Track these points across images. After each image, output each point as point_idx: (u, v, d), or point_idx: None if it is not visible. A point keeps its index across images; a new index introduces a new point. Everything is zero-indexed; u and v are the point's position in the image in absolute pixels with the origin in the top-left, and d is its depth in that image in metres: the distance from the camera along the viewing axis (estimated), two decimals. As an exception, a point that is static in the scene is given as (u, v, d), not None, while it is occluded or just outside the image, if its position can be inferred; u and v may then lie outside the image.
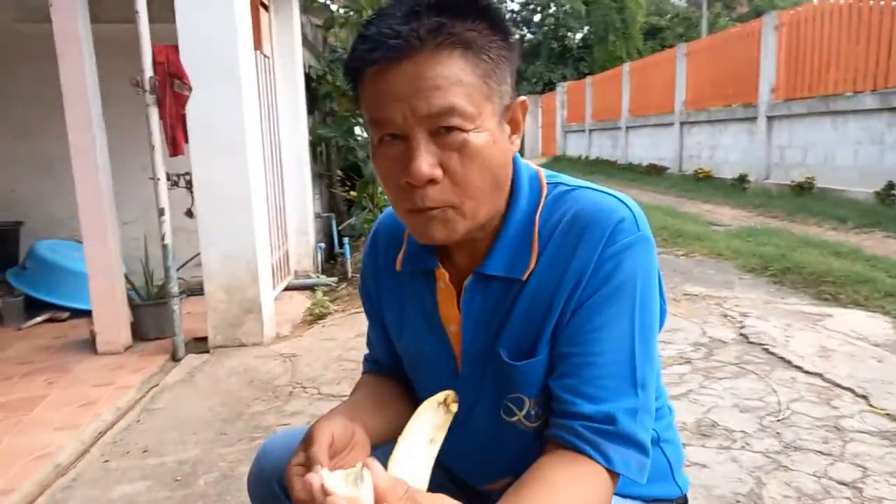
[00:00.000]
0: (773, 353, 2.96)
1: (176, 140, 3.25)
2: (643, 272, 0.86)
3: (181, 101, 3.24)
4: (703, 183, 10.46)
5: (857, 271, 4.27)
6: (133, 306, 3.54)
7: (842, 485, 1.87)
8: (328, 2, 5.87)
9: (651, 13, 27.00)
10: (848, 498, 1.81)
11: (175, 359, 3.29)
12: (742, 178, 9.52)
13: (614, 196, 0.90)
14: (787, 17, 9.20)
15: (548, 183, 0.95)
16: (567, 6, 26.36)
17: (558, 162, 18.45)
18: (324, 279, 4.82)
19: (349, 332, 3.61)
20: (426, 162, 0.79)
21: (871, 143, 7.40)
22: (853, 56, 7.72)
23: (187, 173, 3.36)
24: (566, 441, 0.83)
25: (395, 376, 1.14)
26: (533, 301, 0.89)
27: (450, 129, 0.79)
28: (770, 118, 9.30)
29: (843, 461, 2.00)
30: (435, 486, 1.16)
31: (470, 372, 0.96)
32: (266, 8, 4.48)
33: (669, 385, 2.59)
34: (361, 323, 3.71)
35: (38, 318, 4.00)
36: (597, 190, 0.92)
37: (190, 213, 3.37)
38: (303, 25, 5.34)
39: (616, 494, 0.86)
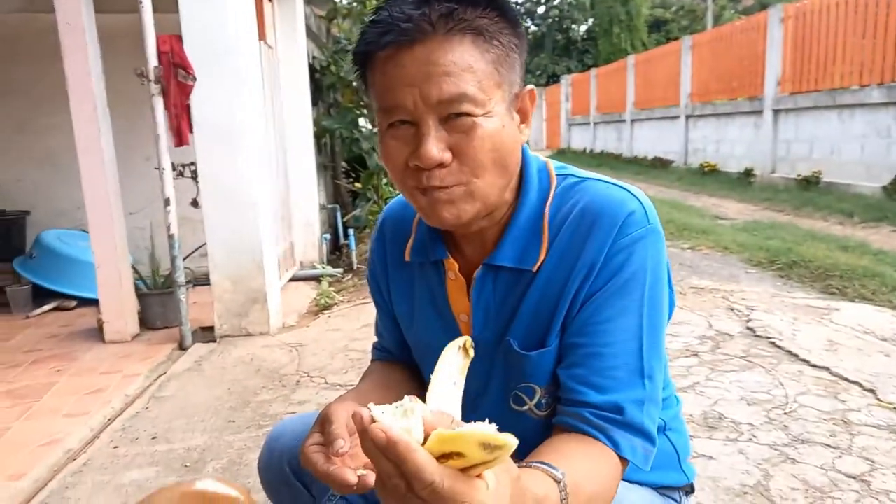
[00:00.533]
0: (779, 347, 2.95)
1: (181, 130, 3.24)
2: (653, 265, 0.87)
3: (186, 91, 3.23)
4: (708, 176, 10.43)
5: (865, 266, 4.26)
6: (140, 295, 3.55)
7: (849, 478, 1.87)
8: (332, -8, 5.85)
9: (656, 5, 26.90)
10: (856, 491, 1.81)
11: (182, 347, 3.30)
12: (748, 172, 9.49)
13: (624, 188, 0.90)
14: (794, 9, 9.14)
15: (557, 174, 0.95)
16: (572, -2, 26.26)
17: (562, 155, 18.42)
18: (329, 270, 4.82)
19: (355, 323, 3.61)
20: (436, 146, 0.80)
21: (877, 136, 7.37)
22: (860, 49, 7.67)
23: (192, 163, 3.37)
24: (574, 426, 0.84)
25: (403, 363, 1.14)
26: (543, 292, 0.90)
27: (460, 114, 0.79)
28: (776, 111, 9.26)
29: (850, 454, 2.00)
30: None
31: (479, 361, 0.96)
32: (271, -2, 4.47)
33: (675, 377, 2.59)
34: (367, 314, 3.73)
35: (46, 307, 4.02)
36: (606, 182, 0.92)
37: (195, 203, 3.39)
38: (306, 16, 5.32)
39: (624, 480, 0.87)
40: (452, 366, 0.68)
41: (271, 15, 4.53)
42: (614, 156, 15.62)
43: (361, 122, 5.49)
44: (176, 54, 3.17)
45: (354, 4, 5.61)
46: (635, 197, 0.89)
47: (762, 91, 9.57)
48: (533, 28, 28.69)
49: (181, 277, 3.29)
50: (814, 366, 2.71)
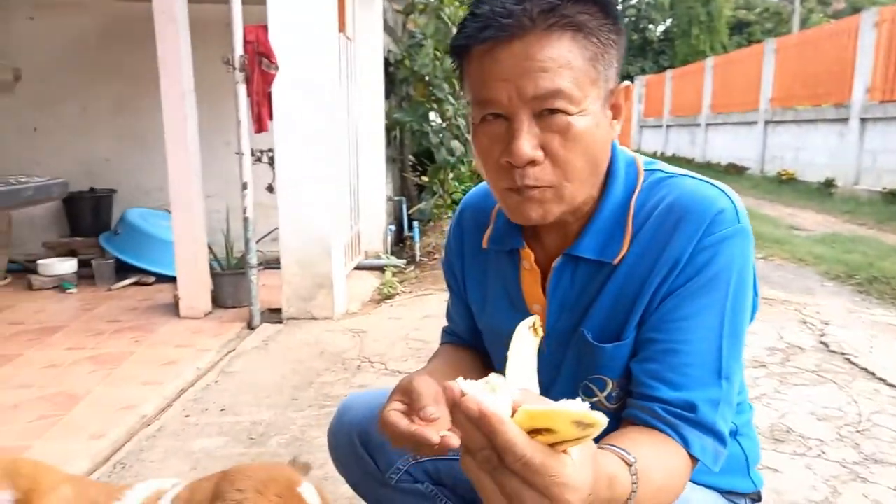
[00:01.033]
0: (854, 364, 2.82)
1: (261, 117, 3.37)
2: (739, 265, 0.85)
3: (268, 79, 3.35)
4: (785, 185, 10.01)
5: (953, 285, 4.01)
6: (213, 275, 3.71)
7: (926, 502, 1.78)
8: (410, -13, 5.93)
9: (739, 6, 25.91)
10: (932, 516, 1.72)
11: (251, 327, 3.44)
12: (829, 182, 9.05)
13: (716, 186, 0.89)
14: (890, 13, 8.63)
15: (645, 169, 0.94)
16: (650, -2, 25.63)
17: (631, 157, 17.99)
18: (393, 260, 4.90)
19: (416, 313, 3.67)
20: (528, 143, 0.80)
21: (976, 150, 6.89)
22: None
23: (270, 150, 3.48)
24: (644, 421, 0.83)
25: (471, 348, 1.16)
26: (623, 285, 0.89)
27: (554, 111, 0.79)
28: (863, 120, 8.79)
29: (928, 478, 1.90)
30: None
31: (551, 352, 0.97)
32: (351, -9, 4.57)
33: (741, 387, 2.52)
34: (428, 305, 3.79)
35: (127, 281, 4.25)
36: (697, 178, 0.91)
37: (270, 189, 3.50)
38: (384, 10, 5.41)
39: (691, 481, 0.86)
40: (526, 345, 0.68)
41: (351, 8, 4.64)
42: (686, 160, 15.17)
43: (432, 116, 5.54)
44: (261, 44, 3.29)
45: (431, 0, 5.67)
46: (727, 195, 0.87)
47: (849, 98, 9.10)
48: (607, 27, 28.13)
49: (253, 259, 3.42)
50: (891, 385, 2.58)
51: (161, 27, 3.32)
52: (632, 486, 0.70)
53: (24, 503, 0.77)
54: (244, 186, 3.38)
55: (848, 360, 2.87)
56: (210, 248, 3.73)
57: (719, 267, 0.84)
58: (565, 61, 0.78)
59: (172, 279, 3.87)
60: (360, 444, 1.13)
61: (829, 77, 9.74)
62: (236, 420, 2.37)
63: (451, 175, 5.65)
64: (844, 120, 9.17)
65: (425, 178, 5.84)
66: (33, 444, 2.15)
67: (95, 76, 4.79)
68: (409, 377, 0.88)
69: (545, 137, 0.81)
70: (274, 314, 3.60)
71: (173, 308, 3.65)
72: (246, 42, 3.30)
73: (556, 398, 0.99)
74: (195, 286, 3.60)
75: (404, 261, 4.97)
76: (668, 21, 26.60)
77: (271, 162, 3.47)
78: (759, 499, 1.09)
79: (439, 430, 0.76)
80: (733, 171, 12.27)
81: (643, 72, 24.25)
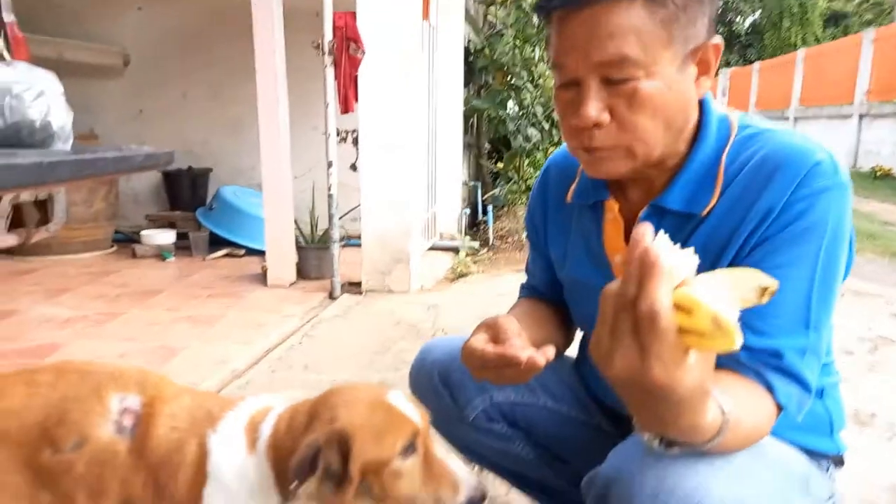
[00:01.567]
0: (947, 356, 2.70)
1: (347, 99, 3.52)
2: (835, 218, 0.83)
3: (355, 63, 3.51)
4: (880, 181, 9.45)
5: None
6: (299, 248, 3.92)
7: None
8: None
9: (835, -3, 24.46)
10: None
11: (332, 297, 3.61)
12: (930, 180, 8.49)
13: (813, 142, 0.88)
14: None
15: (739, 125, 0.94)
16: (739, -11, 24.57)
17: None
18: (468, 242, 4.99)
19: (490, 291, 3.74)
20: (593, 107, 0.84)
21: None
22: None
23: (355, 130, 3.63)
24: (728, 368, 0.83)
25: (549, 301, 1.22)
26: (711, 236, 0.89)
27: (622, 78, 0.82)
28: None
29: None
30: (582, 407, 1.23)
31: None
32: (434, -21, 4.67)
33: (822, 371, 2.45)
34: (502, 284, 3.85)
35: (220, 253, 4.54)
36: (793, 133, 0.90)
37: (354, 167, 3.66)
38: (465, 0, 5.49)
39: (773, 435, 0.86)
40: (747, 287, 0.64)
41: (434, -4, 4.74)
42: (772, 157, 14.50)
43: (509, 104, 5.59)
44: (349, 29, 3.44)
45: (512, -8, 5.71)
46: (825, 150, 0.86)
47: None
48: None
49: (336, 234, 3.59)
50: None
51: (258, 17, 3.53)
52: (717, 431, 0.72)
53: (149, 407, 0.88)
54: (329, 165, 3.55)
55: (940, 352, 2.75)
56: (296, 223, 3.93)
57: (814, 218, 0.82)
58: (633, 27, 0.80)
59: (260, 252, 4.12)
60: (441, 382, 1.21)
61: (935, 68, 9.12)
62: (318, 377, 2.52)
63: (526, 162, 5.69)
64: (950, 113, 8.56)
65: (500, 165, 5.90)
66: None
67: (195, 63, 5.11)
68: (490, 317, 0.94)
69: (612, 101, 0.84)
70: (353, 287, 3.77)
71: (261, 278, 3.88)
72: (335, 28, 3.46)
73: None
74: (282, 258, 3.82)
75: (478, 243, 5.05)
76: (757, 13, 25.42)
77: (355, 142, 3.62)
78: (842, 463, 1.07)
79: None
80: (824, 168, 11.65)
81: (728, 65, 23.29)
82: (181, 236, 4.63)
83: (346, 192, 4.15)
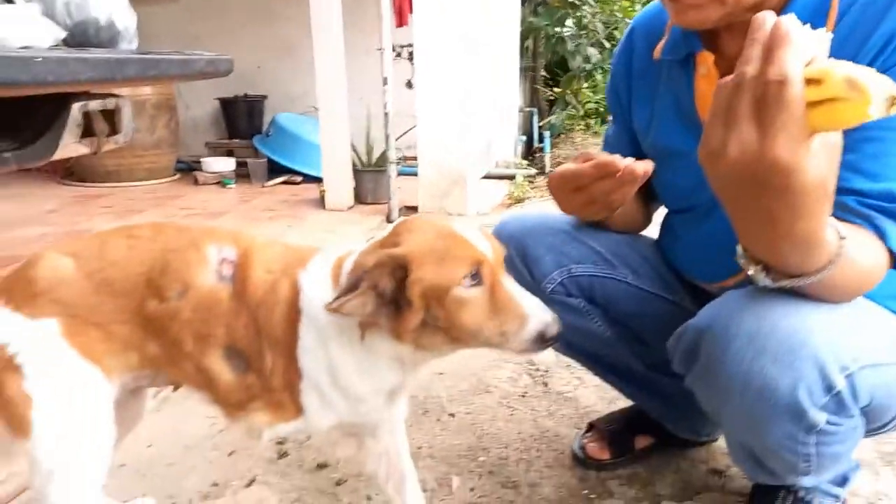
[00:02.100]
0: None
1: (402, 11, 3.43)
2: None
3: (409, -25, 3.40)
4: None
5: None
6: (355, 172, 3.92)
7: None
8: None
9: None
10: None
11: (389, 220, 3.62)
12: None
13: None
14: None
15: None
16: None
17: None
18: (523, 169, 4.90)
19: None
20: None
21: None
22: None
23: (410, 45, 3.54)
24: (837, 215, 0.77)
25: None
26: None
27: None
28: None
29: None
30: (663, 283, 1.20)
31: None
32: None
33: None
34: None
35: (278, 179, 4.61)
36: None
37: (409, 84, 3.59)
38: (523, -88, 5.22)
39: (868, 298, 0.81)
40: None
41: None
42: None
43: (568, 22, 5.35)
44: (403, -63, 3.32)
45: None
46: None
47: None
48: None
49: (392, 154, 3.57)
50: None
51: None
52: (831, 259, 0.68)
53: (244, 256, 0.90)
54: (384, 82, 3.49)
55: None
56: (353, 147, 3.92)
57: None
58: None
59: (317, 179, 4.15)
60: (517, 255, 1.18)
61: None
62: (381, 289, 2.55)
63: (584, 85, 5.49)
64: None
65: (558, 90, 5.71)
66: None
67: (248, -13, 5.07)
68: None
69: None
70: (410, 211, 3.75)
71: (319, 202, 3.92)
72: (389, -62, 3.35)
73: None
74: (339, 182, 3.83)
75: (534, 171, 4.95)
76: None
77: (410, 57, 3.54)
78: None
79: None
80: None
81: None
82: (240, 164, 4.70)
83: (401, 120, 4.11)
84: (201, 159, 4.72)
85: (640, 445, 1.34)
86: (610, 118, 1.22)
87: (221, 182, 4.57)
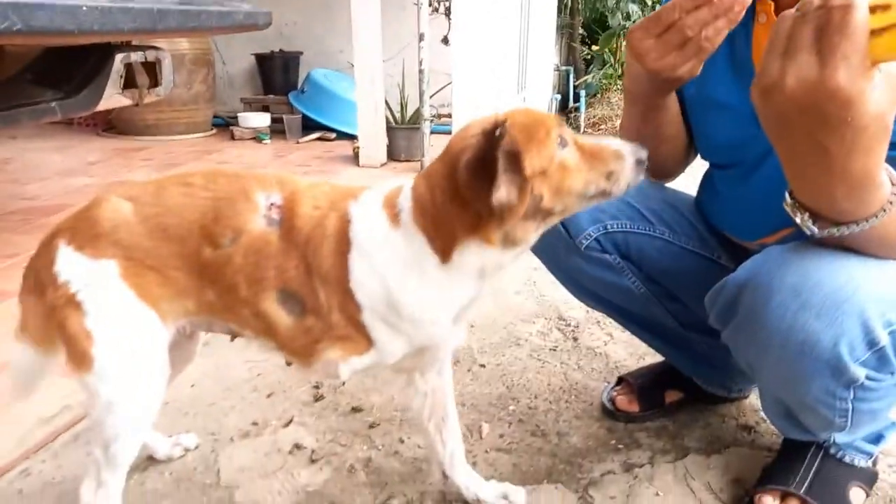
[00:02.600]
0: None
1: (440, -35, 3.37)
2: None
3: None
4: None
5: None
6: (389, 129, 3.92)
7: None
8: None
9: None
10: None
11: (422, 177, 3.62)
12: None
13: None
14: None
15: None
16: None
17: None
18: (558, 128, 4.84)
19: (582, 173, 3.65)
20: None
21: None
22: None
23: (447, -1, 3.49)
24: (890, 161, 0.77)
25: None
26: None
27: None
28: None
29: None
30: (700, 240, 1.18)
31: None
32: None
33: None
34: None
35: (312, 136, 4.63)
36: None
37: (446, 41, 3.54)
38: None
39: None
40: None
41: None
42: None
43: (608, -23, 5.21)
44: None
45: None
46: None
47: None
48: None
49: (426, 111, 3.55)
50: None
51: None
52: (885, 203, 0.66)
53: (291, 200, 0.90)
54: (421, 38, 3.45)
55: None
56: (387, 104, 3.91)
57: None
58: None
59: (351, 136, 4.16)
60: None
61: None
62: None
63: (623, 44, 5.34)
64: None
65: (595, 48, 5.58)
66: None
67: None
68: None
69: None
70: (444, 168, 3.75)
71: (353, 159, 3.93)
72: None
73: (774, 167, 0.95)
74: (373, 139, 3.84)
75: (570, 131, 4.89)
76: None
77: (447, 13, 3.48)
78: None
79: None
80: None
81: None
82: (275, 120, 4.72)
83: (436, 78, 4.07)
84: (238, 114, 4.77)
85: (670, 400, 1.34)
86: None
87: (257, 137, 4.61)
